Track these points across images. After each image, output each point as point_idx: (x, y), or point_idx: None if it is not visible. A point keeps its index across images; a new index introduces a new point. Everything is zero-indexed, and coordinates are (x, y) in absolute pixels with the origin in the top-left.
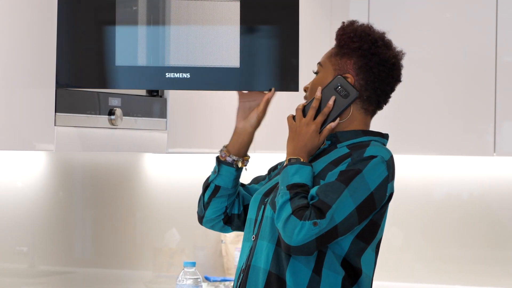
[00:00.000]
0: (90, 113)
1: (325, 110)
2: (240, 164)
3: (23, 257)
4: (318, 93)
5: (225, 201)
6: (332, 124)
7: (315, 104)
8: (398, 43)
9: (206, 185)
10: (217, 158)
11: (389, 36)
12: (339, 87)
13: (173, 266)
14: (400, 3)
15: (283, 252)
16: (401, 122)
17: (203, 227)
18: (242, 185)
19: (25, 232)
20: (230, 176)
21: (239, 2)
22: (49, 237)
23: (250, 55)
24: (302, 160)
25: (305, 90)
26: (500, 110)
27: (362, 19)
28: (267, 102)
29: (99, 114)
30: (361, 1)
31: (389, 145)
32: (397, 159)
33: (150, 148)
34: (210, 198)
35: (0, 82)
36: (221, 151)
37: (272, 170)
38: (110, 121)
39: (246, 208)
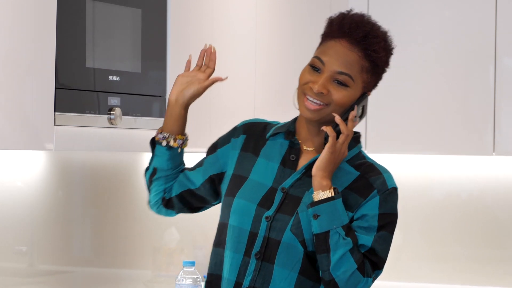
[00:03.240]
0: (90, 113)
1: (351, 134)
2: (172, 143)
3: (23, 256)
4: (354, 114)
5: (163, 184)
6: None
7: (352, 129)
8: (397, 41)
9: (146, 167)
10: (152, 138)
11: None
12: (362, 107)
13: (172, 265)
14: (399, 1)
15: (306, 279)
16: (400, 122)
17: (202, 227)
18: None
19: (25, 232)
20: (163, 156)
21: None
22: (49, 237)
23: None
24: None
25: (321, 93)
26: (499, 109)
27: None
28: (214, 82)
29: (99, 113)
30: None
31: (389, 145)
32: (397, 158)
33: (149, 148)
34: (150, 180)
35: None
36: (159, 134)
37: (220, 145)
38: (110, 120)
39: (187, 192)
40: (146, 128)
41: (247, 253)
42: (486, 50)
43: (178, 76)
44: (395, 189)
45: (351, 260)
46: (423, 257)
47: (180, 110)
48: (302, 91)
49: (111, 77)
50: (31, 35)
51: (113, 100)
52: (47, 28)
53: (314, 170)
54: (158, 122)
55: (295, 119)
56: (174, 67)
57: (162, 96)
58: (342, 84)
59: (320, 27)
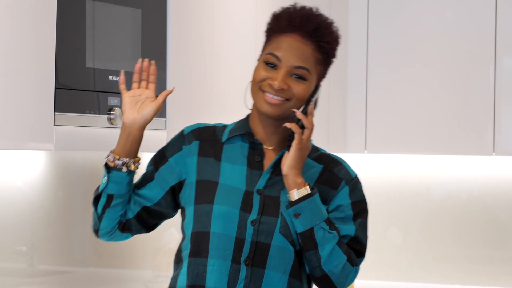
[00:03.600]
0: (89, 113)
1: (312, 128)
2: (132, 167)
3: (22, 256)
4: (312, 107)
5: (120, 210)
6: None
7: (312, 122)
8: (397, 42)
9: (96, 196)
10: (105, 164)
11: (389, 35)
12: (316, 99)
13: (172, 265)
14: (399, 1)
15: (296, 281)
16: (401, 122)
17: None
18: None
19: (24, 232)
20: (122, 182)
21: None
22: (49, 237)
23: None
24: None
25: (282, 89)
26: (499, 109)
27: (361, 18)
28: (167, 95)
29: (98, 113)
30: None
31: (389, 145)
32: (397, 158)
33: (149, 148)
34: (104, 209)
35: None
36: (108, 156)
37: (170, 153)
38: (110, 120)
39: (144, 211)
40: (146, 128)
41: (235, 259)
42: (486, 50)
43: (124, 97)
44: (357, 177)
45: (340, 252)
46: (423, 257)
47: (139, 132)
48: (260, 88)
49: (111, 77)
50: (31, 35)
51: (113, 100)
52: (47, 28)
53: (286, 169)
54: (158, 122)
55: (247, 120)
56: (174, 67)
57: None
58: (300, 78)
59: None
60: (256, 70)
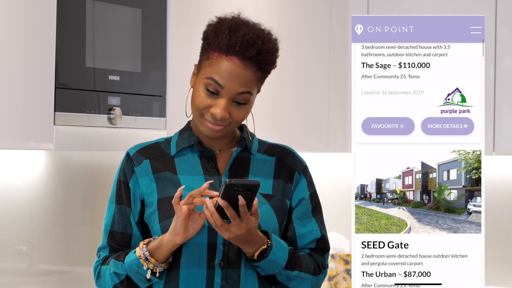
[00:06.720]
0: (90, 112)
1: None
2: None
3: (22, 256)
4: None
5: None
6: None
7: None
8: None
9: (115, 276)
10: (152, 273)
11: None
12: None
13: None
14: (399, 2)
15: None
16: None
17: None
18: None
19: (24, 231)
20: (154, 281)
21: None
22: (48, 236)
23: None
24: (266, 246)
25: (223, 119)
26: (499, 109)
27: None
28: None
29: (99, 113)
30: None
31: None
32: None
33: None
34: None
35: None
36: (156, 266)
37: (127, 179)
38: (110, 120)
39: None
40: (146, 128)
41: (210, 265)
42: (486, 50)
43: (182, 220)
44: (306, 164)
45: (307, 278)
46: None
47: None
48: (202, 115)
49: (111, 77)
50: (31, 35)
51: (113, 100)
52: (47, 28)
53: (237, 244)
54: (158, 121)
55: (189, 128)
56: (174, 67)
57: (162, 96)
58: (242, 103)
59: (319, 28)
60: (198, 97)
